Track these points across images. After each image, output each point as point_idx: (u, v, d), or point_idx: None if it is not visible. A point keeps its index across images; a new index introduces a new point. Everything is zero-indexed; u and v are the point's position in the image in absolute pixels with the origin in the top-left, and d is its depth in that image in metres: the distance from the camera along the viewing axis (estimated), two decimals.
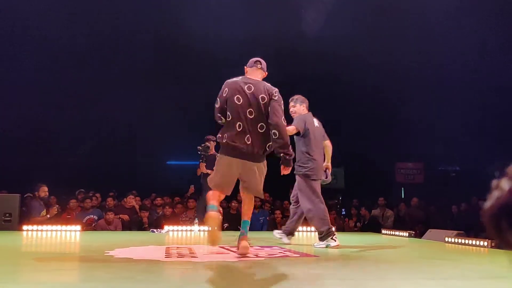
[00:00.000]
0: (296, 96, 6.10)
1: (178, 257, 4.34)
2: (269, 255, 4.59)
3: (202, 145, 8.56)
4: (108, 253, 4.50)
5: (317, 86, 12.61)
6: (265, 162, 4.51)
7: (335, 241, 5.62)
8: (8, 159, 11.14)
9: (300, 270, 3.74)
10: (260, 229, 9.62)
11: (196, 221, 8.65)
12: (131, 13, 11.66)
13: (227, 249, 5.06)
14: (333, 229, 5.83)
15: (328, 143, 6.19)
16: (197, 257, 4.32)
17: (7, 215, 7.99)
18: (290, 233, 6.21)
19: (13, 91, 11.34)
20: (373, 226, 9.58)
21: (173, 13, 11.30)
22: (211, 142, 8.60)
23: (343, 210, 11.88)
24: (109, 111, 12.10)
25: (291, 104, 6.06)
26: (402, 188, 14.70)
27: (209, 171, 8.34)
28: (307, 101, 6.13)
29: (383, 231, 8.62)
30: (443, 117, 12.87)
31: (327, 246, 5.57)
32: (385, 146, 13.23)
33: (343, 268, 3.97)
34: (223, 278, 3.29)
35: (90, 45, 11.91)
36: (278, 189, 10.70)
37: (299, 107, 6.05)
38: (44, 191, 8.57)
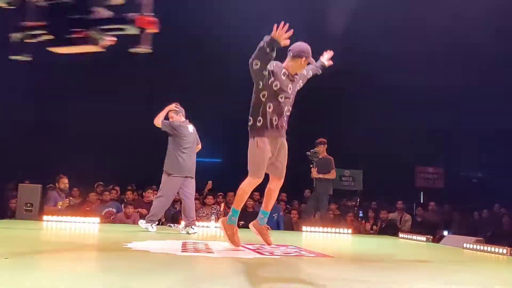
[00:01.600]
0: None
1: (194, 251, 4.38)
2: (284, 253, 4.60)
3: (311, 150, 8.69)
4: (126, 245, 4.57)
5: (336, 87, 12.57)
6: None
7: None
8: (32, 150, 11.35)
9: (315, 270, 3.74)
10: (277, 227, 9.63)
11: (213, 217, 8.72)
12: None
13: (242, 246, 5.08)
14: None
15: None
16: (213, 252, 4.35)
17: (28, 205, 8.15)
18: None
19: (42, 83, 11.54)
20: (390, 230, 9.51)
21: None
22: (321, 146, 8.74)
23: (360, 212, 11.81)
24: (127, 104, 12.22)
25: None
26: (421, 193, 14.55)
27: (321, 176, 8.52)
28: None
29: (400, 235, 8.55)
30: (466, 124, 12.74)
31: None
32: (405, 149, 13.12)
33: (358, 269, 3.96)
34: (238, 274, 3.31)
35: None
36: (294, 189, 10.70)
37: (176, 117, 6.96)
38: (64, 182, 8.71)
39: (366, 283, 3.10)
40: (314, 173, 8.78)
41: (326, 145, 8.92)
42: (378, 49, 11.77)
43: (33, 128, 11.69)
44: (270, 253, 4.51)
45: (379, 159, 13.20)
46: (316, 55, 4.99)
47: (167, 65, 12.22)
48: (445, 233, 8.94)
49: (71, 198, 8.66)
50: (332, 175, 8.92)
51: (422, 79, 12.46)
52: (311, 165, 8.76)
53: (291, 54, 4.54)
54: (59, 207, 8.43)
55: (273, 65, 4.39)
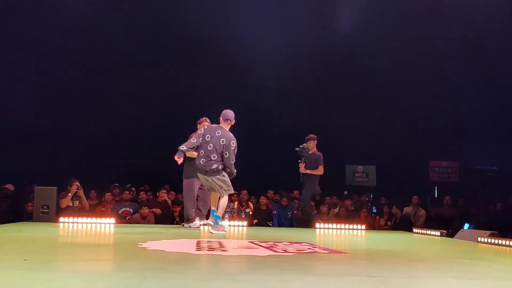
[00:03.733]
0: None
1: (208, 250, 4.42)
2: (297, 250, 4.63)
3: (300, 146, 8.72)
4: (141, 245, 4.63)
5: (348, 85, 12.57)
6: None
7: None
8: (47, 154, 11.51)
9: (328, 266, 3.77)
10: (290, 225, 9.65)
11: (227, 216, 8.77)
12: None
13: (256, 244, 5.12)
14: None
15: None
16: (227, 250, 4.39)
17: (45, 207, 8.27)
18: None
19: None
20: (405, 225, 9.48)
21: None
22: (311, 142, 8.78)
23: (374, 208, 11.78)
24: (146, 107, 12.37)
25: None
26: (436, 187, 14.46)
27: (308, 171, 8.56)
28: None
29: (414, 230, 8.53)
30: (480, 118, 12.63)
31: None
32: (418, 144, 13.06)
33: (372, 265, 3.97)
34: (252, 271, 3.35)
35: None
36: None
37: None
38: (76, 185, 8.79)
39: (379, 278, 3.11)
40: (302, 169, 8.75)
41: (316, 141, 8.89)
42: (388, 44, 11.73)
43: (48, 132, 11.84)
44: (283, 250, 4.54)
45: (393, 154, 13.16)
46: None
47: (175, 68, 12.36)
48: (466, 226, 8.89)
49: (76, 184, 8.67)
50: (320, 171, 8.86)
51: (436, 72, 12.40)
52: (299, 160, 8.74)
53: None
54: (70, 194, 8.52)
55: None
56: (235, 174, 6.86)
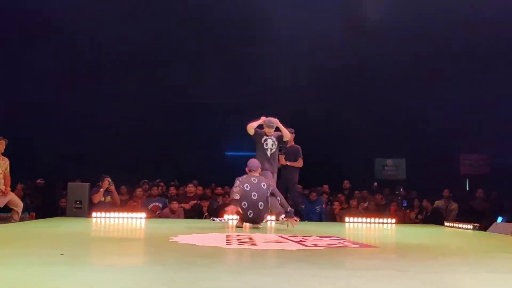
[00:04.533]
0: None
1: (238, 244, 4.46)
2: (328, 244, 4.62)
3: None
4: (172, 239, 4.70)
5: (377, 78, 12.42)
6: None
7: None
8: (80, 150, 11.77)
9: (359, 260, 3.75)
10: (319, 219, 9.63)
11: None
12: None
13: (286, 238, 5.13)
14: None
15: None
16: (257, 245, 4.42)
17: (78, 202, 8.47)
18: None
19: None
20: (436, 218, 9.34)
21: None
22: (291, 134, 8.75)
23: (404, 201, 11.65)
24: (171, 100, 12.51)
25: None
26: (467, 180, 14.19)
27: (288, 163, 8.55)
28: None
29: (446, 224, 8.41)
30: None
31: None
32: (449, 136, 12.82)
33: (403, 259, 3.93)
34: (282, 265, 3.37)
35: None
36: (336, 180, 10.68)
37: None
38: (107, 181, 8.96)
39: (411, 273, 3.09)
40: (282, 161, 8.65)
41: (294, 134, 8.80)
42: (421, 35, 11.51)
43: (81, 128, 12.10)
44: (313, 244, 4.54)
45: (423, 147, 12.97)
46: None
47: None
48: (499, 220, 8.71)
49: (108, 179, 8.83)
50: (300, 163, 8.75)
51: (470, 65, 12.15)
52: (280, 153, 8.65)
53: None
54: (102, 189, 8.70)
55: None
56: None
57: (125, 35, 11.95)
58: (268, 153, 7.56)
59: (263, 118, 7.60)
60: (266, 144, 7.58)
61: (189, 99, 12.68)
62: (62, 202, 9.15)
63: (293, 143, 8.79)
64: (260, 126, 7.65)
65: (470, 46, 12.02)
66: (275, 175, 7.68)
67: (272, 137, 7.58)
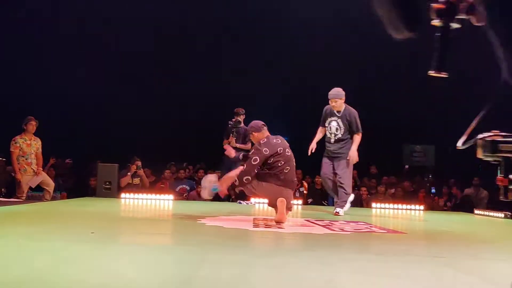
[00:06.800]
0: None
1: (265, 227, 4.47)
2: (354, 229, 4.59)
3: (233, 120, 8.56)
4: (200, 221, 4.75)
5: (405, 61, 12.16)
6: None
7: None
8: (110, 133, 11.93)
9: (387, 245, 3.72)
10: None
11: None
12: None
13: (312, 222, 5.12)
14: None
15: None
16: (283, 228, 4.42)
17: (107, 183, 8.61)
18: None
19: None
20: (465, 206, 9.18)
21: None
22: (241, 115, 8.58)
23: (432, 188, 11.47)
24: (197, 85, 12.51)
25: None
26: (498, 168, 13.84)
27: (237, 145, 8.26)
28: None
29: (475, 211, 8.26)
30: None
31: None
32: (480, 122, 12.49)
33: (433, 245, 3.88)
34: (308, 248, 3.36)
35: None
36: (363, 167, 10.54)
37: None
38: (137, 163, 9.07)
39: (442, 259, 3.04)
40: (233, 142, 8.40)
41: (244, 115, 8.57)
42: None
43: (111, 112, 12.24)
44: (340, 229, 4.52)
45: (452, 133, 12.70)
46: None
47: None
48: None
49: (136, 164, 8.92)
50: (248, 146, 8.50)
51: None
52: (231, 134, 8.44)
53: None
54: (129, 173, 8.82)
55: None
56: None
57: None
58: None
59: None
60: None
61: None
62: (92, 182, 9.32)
63: (243, 125, 8.44)
64: None
65: None
66: None
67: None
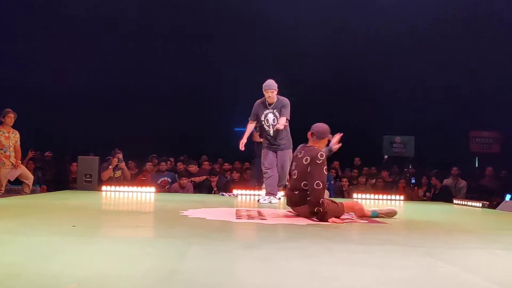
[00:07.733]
0: None
1: (248, 218, 4.48)
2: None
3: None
4: (182, 213, 4.73)
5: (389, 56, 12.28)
6: None
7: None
8: (95, 124, 11.83)
9: (369, 235, 3.76)
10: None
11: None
12: None
13: (294, 213, 5.14)
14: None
15: None
16: (266, 219, 4.43)
17: (88, 176, 8.51)
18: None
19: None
20: (444, 196, 9.32)
21: None
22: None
23: (412, 179, 11.62)
24: (180, 74, 12.47)
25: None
26: (476, 158, 14.09)
27: (261, 140, 8.19)
28: None
29: (454, 201, 8.39)
30: None
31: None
32: (458, 114, 12.69)
33: (413, 235, 3.93)
34: (293, 239, 3.38)
35: None
36: (345, 157, 10.62)
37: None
38: (118, 156, 8.97)
39: (423, 248, 3.09)
40: (256, 137, 8.34)
41: None
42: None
43: (92, 104, 12.11)
44: None
45: (432, 124, 12.87)
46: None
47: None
48: (507, 197, 8.69)
49: (118, 157, 8.82)
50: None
51: (477, 39, 11.98)
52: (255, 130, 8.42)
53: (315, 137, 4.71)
54: (111, 167, 8.71)
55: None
56: None
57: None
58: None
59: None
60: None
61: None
62: (72, 175, 9.20)
63: None
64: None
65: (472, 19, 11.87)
66: None
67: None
